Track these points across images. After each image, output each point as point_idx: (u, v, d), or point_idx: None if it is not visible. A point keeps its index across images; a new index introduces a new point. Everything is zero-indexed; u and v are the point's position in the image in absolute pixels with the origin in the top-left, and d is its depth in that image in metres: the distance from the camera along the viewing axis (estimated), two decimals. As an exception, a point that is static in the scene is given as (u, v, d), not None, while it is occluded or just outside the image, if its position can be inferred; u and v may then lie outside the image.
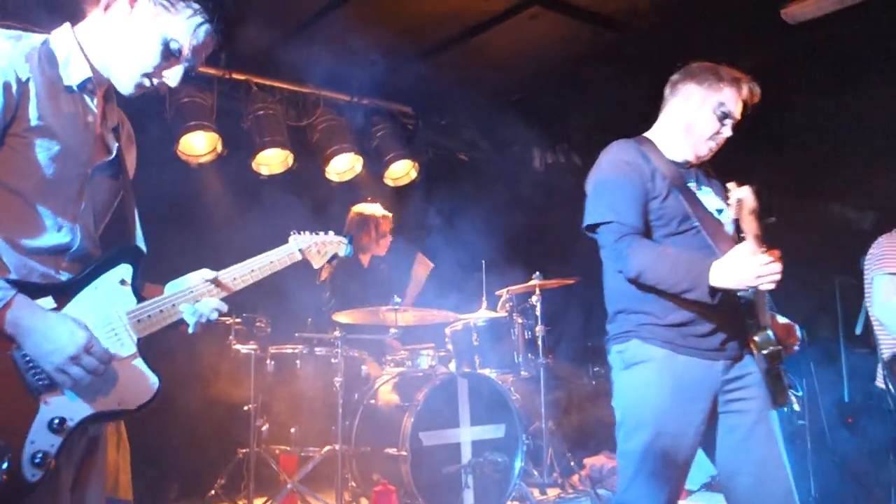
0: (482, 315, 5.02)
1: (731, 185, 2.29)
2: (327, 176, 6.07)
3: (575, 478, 5.27)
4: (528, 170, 7.22)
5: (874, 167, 5.50)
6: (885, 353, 3.88)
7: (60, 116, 1.77)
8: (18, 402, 1.63)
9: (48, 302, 1.72)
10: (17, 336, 1.63)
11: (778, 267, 2.27)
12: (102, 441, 1.94)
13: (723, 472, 2.61)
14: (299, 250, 2.17)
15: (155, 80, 1.86)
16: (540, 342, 5.14)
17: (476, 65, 5.73)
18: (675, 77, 2.75)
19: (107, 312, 1.80)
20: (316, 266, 2.25)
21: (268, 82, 5.83)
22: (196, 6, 1.81)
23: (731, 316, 2.48)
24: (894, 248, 3.95)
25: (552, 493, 5.12)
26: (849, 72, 5.37)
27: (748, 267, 2.27)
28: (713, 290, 2.35)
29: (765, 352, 2.47)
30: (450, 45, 5.43)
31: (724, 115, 2.59)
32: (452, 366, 4.82)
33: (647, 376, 2.54)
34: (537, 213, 6.36)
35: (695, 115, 2.65)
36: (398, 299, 4.65)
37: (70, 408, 1.69)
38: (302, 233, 2.22)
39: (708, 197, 2.68)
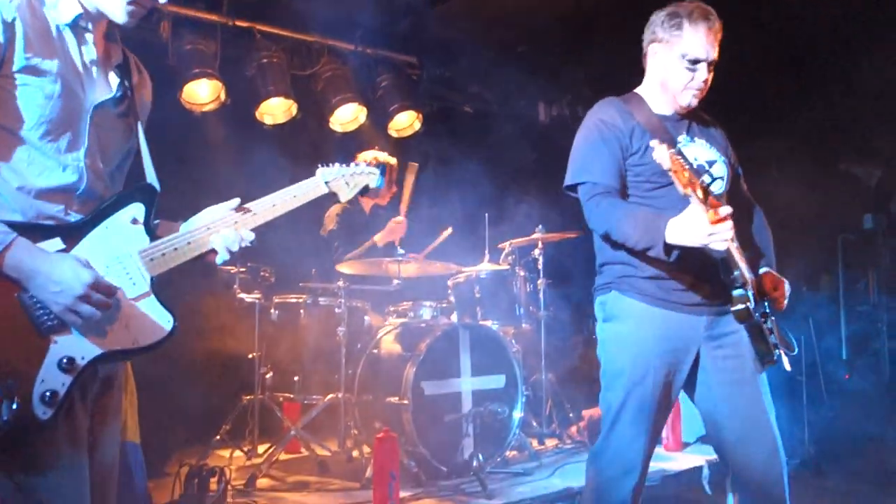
0: (485, 267, 5.05)
1: (653, 143, 2.23)
2: (331, 126, 6.03)
3: (573, 429, 5.35)
4: (532, 123, 7.18)
5: (883, 126, 5.47)
6: None
7: (53, 55, 1.76)
8: (28, 343, 1.65)
9: (56, 243, 1.72)
10: (21, 279, 1.65)
11: (728, 226, 2.24)
12: (118, 382, 1.96)
13: (707, 423, 2.65)
14: (326, 183, 2.10)
15: (147, 4, 1.84)
16: (541, 295, 5.18)
17: (482, 16, 5.66)
18: (644, 35, 2.73)
19: (117, 252, 1.80)
20: (343, 199, 2.17)
21: (272, 30, 5.76)
22: None
23: (709, 271, 2.48)
24: None
25: (550, 443, 5.21)
26: (860, 31, 5.29)
27: (697, 226, 2.26)
28: (668, 248, 2.36)
29: (733, 309, 2.46)
30: (456, -6, 5.35)
31: (693, 62, 2.56)
32: (454, 317, 4.86)
33: (624, 328, 2.60)
34: (541, 166, 6.34)
35: (665, 70, 2.64)
36: (401, 250, 4.67)
37: (80, 347, 1.71)
38: (331, 165, 2.14)
39: (698, 149, 2.67)
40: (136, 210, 1.85)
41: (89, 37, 1.86)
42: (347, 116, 6.07)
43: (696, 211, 2.25)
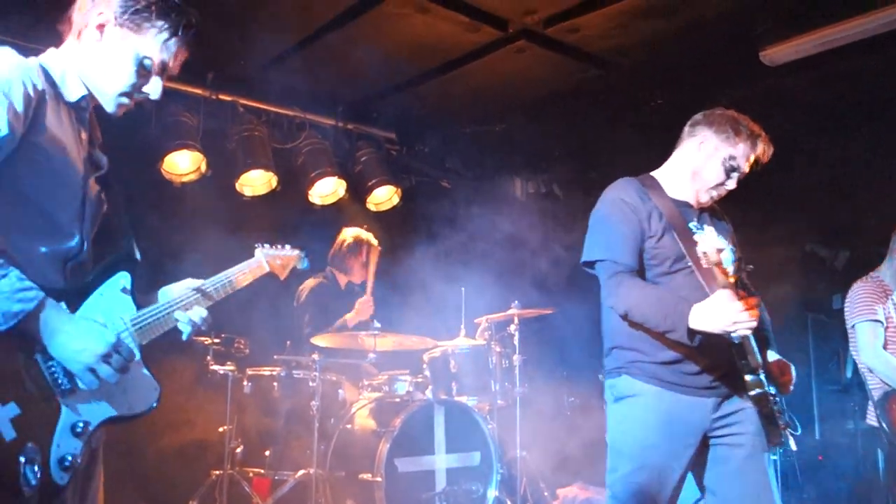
0: (460, 342, 5.04)
1: (698, 237, 2.34)
2: (310, 199, 6.08)
3: (548, 508, 5.26)
4: (509, 199, 7.29)
5: (848, 208, 5.63)
6: (876, 393, 3.97)
7: (63, 130, 1.84)
8: (43, 405, 1.66)
9: (62, 307, 1.75)
10: (42, 337, 1.66)
11: (753, 314, 2.32)
12: (100, 455, 1.96)
13: (712, 500, 2.64)
14: (266, 263, 2.30)
15: (136, 97, 1.94)
16: (517, 371, 5.16)
17: (461, 94, 5.80)
18: (696, 118, 2.80)
19: (113, 319, 1.85)
20: (281, 278, 2.37)
21: (254, 104, 5.86)
22: (161, 23, 1.89)
23: (721, 355, 2.52)
24: (868, 294, 4.05)
25: (525, 522, 5.11)
26: (826, 114, 5.50)
27: (723, 314, 2.34)
28: (692, 333, 2.41)
29: (751, 394, 2.53)
30: (436, 73, 5.49)
31: (733, 169, 2.67)
32: (429, 392, 4.82)
33: (634, 411, 2.61)
34: (518, 242, 6.41)
35: (704, 162, 2.72)
36: (377, 324, 4.66)
37: (89, 411, 1.73)
38: (265, 246, 2.34)
39: (708, 237, 2.74)
40: (124, 279, 1.91)
41: (86, 115, 1.96)
42: (327, 190, 6.13)
43: (725, 299, 2.32)
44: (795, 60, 4.84)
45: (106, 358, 1.71)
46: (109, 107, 1.94)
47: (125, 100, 1.93)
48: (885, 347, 3.98)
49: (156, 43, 1.90)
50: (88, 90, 1.92)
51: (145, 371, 1.89)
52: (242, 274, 2.19)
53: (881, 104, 5.32)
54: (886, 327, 4.00)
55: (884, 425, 3.87)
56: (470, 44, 5.07)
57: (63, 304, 1.75)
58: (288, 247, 2.41)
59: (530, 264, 6.14)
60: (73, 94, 1.90)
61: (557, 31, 4.82)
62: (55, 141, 1.79)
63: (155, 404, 1.88)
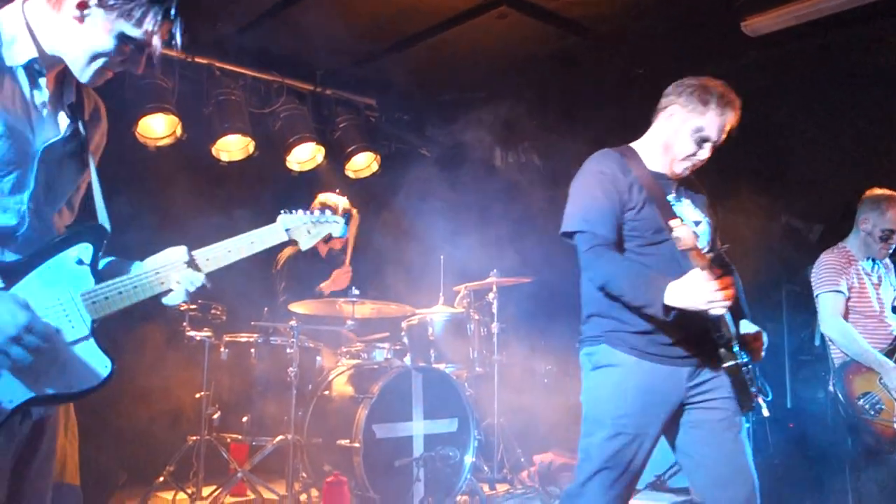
0: (439, 310, 5.05)
1: (674, 223, 2.35)
2: (288, 165, 6.02)
3: (524, 474, 5.33)
4: (489, 167, 7.27)
5: (823, 180, 5.67)
6: (837, 362, 4.04)
7: (3, 97, 1.73)
8: None
9: None
10: None
11: (728, 294, 2.35)
12: (50, 426, 1.88)
13: (686, 462, 2.70)
14: (286, 230, 2.07)
15: (116, 69, 1.83)
16: (495, 339, 5.19)
17: (441, 61, 5.75)
18: (668, 89, 2.77)
19: (59, 293, 1.76)
20: (303, 247, 2.14)
21: (231, 68, 5.77)
22: (147, 5, 1.77)
23: (696, 327, 2.54)
24: (833, 264, 4.09)
25: (501, 488, 5.17)
26: (806, 87, 5.51)
27: (698, 293, 2.36)
28: (667, 309, 2.44)
29: (725, 365, 2.58)
30: (416, 39, 5.43)
31: (702, 140, 2.65)
32: (408, 359, 4.83)
33: (612, 379, 2.63)
34: (496, 210, 6.41)
35: (674, 135, 2.70)
36: (356, 291, 4.65)
37: (9, 389, 1.66)
38: (294, 212, 2.11)
39: (685, 209, 2.75)
40: (83, 250, 1.81)
41: (42, 80, 1.83)
42: (305, 156, 6.07)
43: (700, 278, 2.35)
44: (777, 31, 4.84)
45: (16, 340, 1.62)
46: (84, 78, 1.82)
47: (106, 73, 1.82)
48: (847, 315, 4.04)
49: (142, 25, 1.78)
50: (41, 53, 1.80)
51: (95, 346, 1.78)
52: (250, 244, 1.98)
53: (860, 77, 5.34)
54: (849, 297, 4.05)
55: (839, 394, 3.93)
56: (451, 9, 5.01)
57: None
58: (327, 212, 2.15)
59: (509, 233, 6.14)
60: (19, 57, 1.78)
61: (539, -3, 4.78)
62: None
63: (102, 381, 1.76)
